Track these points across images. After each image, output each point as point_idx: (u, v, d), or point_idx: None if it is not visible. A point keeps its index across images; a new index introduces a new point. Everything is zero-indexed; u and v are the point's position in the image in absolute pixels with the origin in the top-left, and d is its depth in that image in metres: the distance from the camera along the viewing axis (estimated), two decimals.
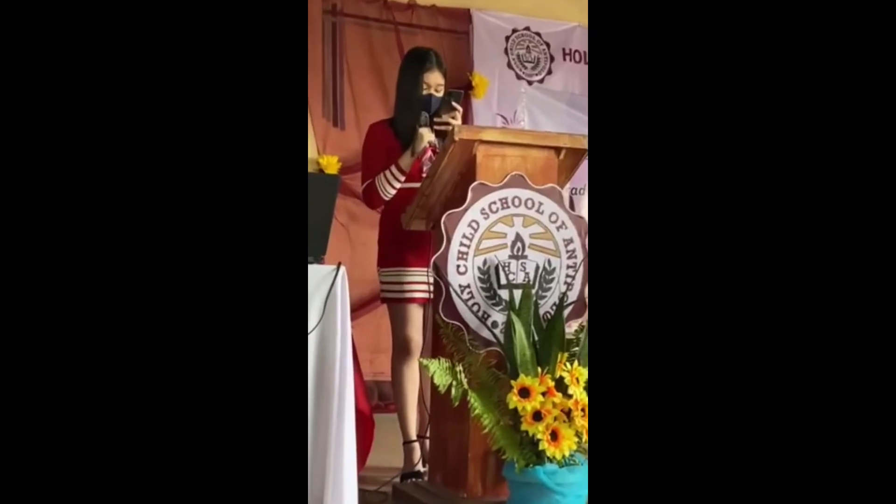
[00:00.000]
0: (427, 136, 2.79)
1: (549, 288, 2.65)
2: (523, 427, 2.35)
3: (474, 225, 2.58)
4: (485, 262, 2.59)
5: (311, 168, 4.57)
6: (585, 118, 4.91)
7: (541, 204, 2.65)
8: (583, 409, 2.37)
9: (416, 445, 2.96)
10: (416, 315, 2.90)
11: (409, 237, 2.81)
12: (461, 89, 2.99)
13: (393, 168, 2.81)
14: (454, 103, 2.82)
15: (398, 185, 2.83)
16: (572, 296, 2.66)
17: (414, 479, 2.86)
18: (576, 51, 5.29)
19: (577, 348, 2.50)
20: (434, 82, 2.90)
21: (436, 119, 2.80)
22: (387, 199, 2.87)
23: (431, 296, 2.70)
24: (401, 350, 2.94)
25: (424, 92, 2.88)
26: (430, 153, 2.85)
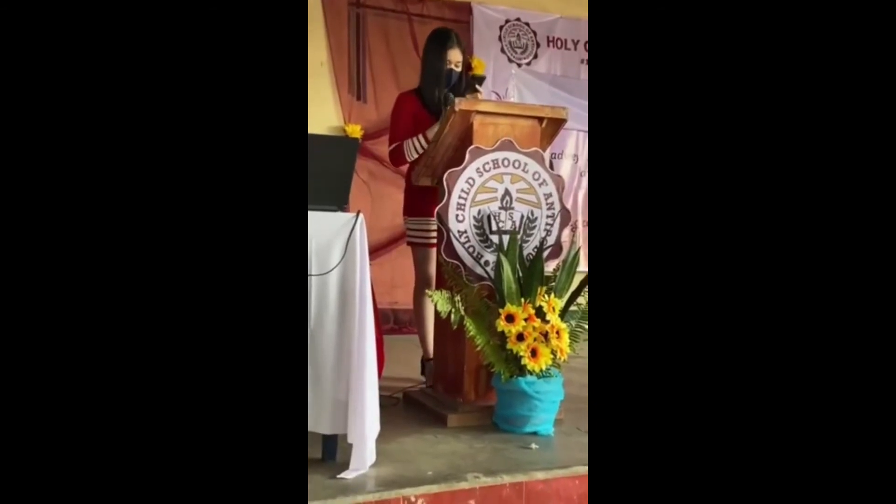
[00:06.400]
0: None
1: (532, 234, 2.62)
2: (509, 346, 2.36)
3: (471, 181, 2.54)
4: (479, 212, 2.56)
5: (338, 134, 4.53)
6: (565, 95, 4.92)
7: (526, 164, 2.60)
8: (557, 332, 2.38)
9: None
10: (434, 256, 2.83)
11: (429, 192, 2.74)
12: (482, 75, 2.91)
13: (421, 136, 2.73)
14: (477, 86, 2.72)
15: (422, 151, 2.74)
16: (550, 240, 2.63)
17: (422, 387, 2.86)
18: (558, 38, 5.18)
19: (553, 283, 2.49)
20: (454, 59, 2.81)
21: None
22: (410, 160, 2.79)
23: None
24: (423, 284, 2.89)
25: (447, 67, 2.79)
26: None
